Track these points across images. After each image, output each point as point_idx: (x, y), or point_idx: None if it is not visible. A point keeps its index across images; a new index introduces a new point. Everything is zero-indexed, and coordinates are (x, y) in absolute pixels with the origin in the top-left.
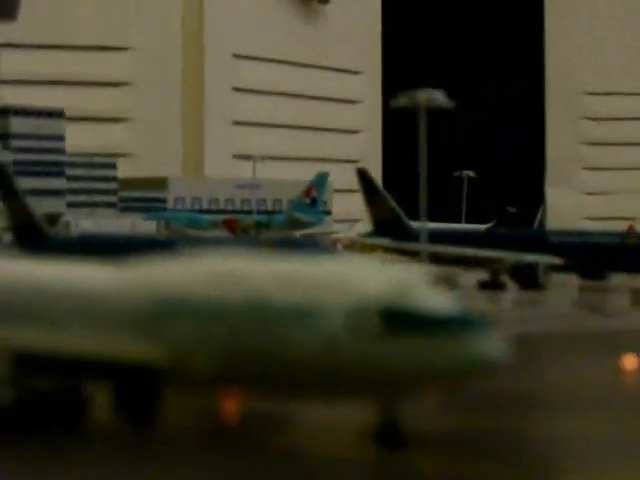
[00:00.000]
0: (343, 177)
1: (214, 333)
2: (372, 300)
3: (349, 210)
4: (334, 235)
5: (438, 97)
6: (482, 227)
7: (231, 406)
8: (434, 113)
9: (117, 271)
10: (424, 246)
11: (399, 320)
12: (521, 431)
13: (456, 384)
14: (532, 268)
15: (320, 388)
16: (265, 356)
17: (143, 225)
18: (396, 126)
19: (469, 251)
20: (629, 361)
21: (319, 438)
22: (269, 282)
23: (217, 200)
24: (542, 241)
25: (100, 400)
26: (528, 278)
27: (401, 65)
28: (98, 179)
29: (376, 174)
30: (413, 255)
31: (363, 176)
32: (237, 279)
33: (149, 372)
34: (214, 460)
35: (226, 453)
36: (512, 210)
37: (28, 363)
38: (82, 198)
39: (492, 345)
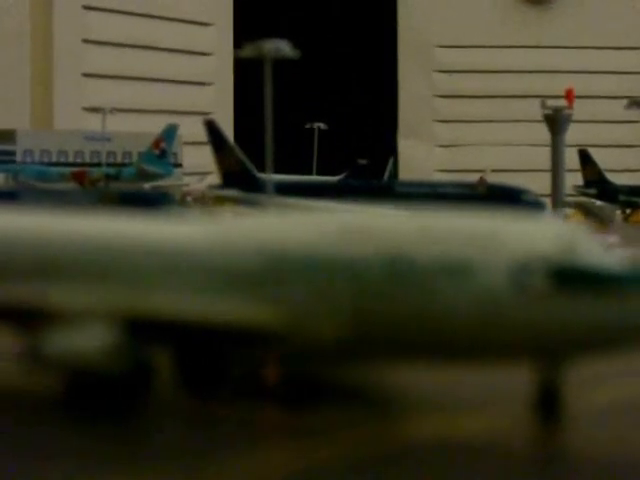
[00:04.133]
0: (194, 129)
1: (342, 293)
2: (537, 255)
3: (200, 162)
4: (184, 187)
5: (283, 47)
6: (333, 179)
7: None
8: (287, 66)
9: (215, 227)
10: (273, 198)
11: (569, 276)
12: None
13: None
14: None
15: (477, 353)
16: (410, 320)
17: None
18: (248, 78)
19: (318, 203)
20: None
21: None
22: (413, 237)
23: (66, 153)
24: (391, 192)
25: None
26: None
27: (253, 17)
28: None
29: (227, 126)
30: (261, 207)
31: (211, 128)
32: (373, 234)
33: (260, 336)
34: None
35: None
36: (363, 162)
37: (140, 329)
38: None
39: None
